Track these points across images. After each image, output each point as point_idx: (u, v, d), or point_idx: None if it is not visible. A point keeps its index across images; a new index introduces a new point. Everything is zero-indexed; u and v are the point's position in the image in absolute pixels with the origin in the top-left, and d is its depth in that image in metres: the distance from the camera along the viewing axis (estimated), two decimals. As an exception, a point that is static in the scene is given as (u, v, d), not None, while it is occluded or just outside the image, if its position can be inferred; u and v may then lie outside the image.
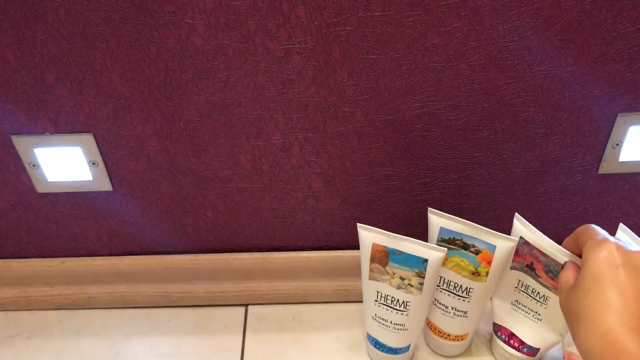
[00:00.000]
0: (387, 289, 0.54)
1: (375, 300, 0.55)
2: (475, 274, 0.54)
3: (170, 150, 0.56)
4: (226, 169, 0.58)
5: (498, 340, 0.59)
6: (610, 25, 0.48)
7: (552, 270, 0.51)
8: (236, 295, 0.66)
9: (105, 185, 0.58)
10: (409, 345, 0.58)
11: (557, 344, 0.56)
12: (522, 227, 0.53)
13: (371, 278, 0.54)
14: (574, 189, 0.60)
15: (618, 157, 0.57)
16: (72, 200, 0.60)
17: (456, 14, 0.47)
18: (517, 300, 0.57)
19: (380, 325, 0.56)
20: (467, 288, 0.55)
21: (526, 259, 0.53)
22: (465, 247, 0.53)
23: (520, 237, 0.53)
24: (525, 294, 0.55)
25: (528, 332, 0.56)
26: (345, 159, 0.57)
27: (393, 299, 0.54)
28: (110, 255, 0.65)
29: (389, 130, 0.55)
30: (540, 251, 0.52)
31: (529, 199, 0.61)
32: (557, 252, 0.51)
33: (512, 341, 0.58)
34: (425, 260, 0.51)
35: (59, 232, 0.63)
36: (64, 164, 0.57)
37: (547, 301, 0.54)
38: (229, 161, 0.57)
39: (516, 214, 0.53)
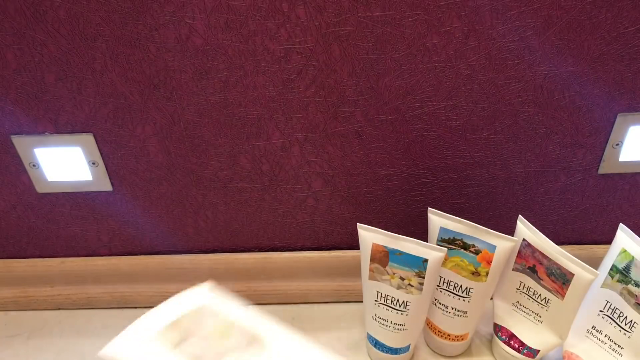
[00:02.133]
0: (387, 289, 0.54)
1: (375, 300, 0.55)
2: (475, 274, 0.54)
3: (170, 150, 0.56)
4: (226, 169, 0.58)
5: (498, 340, 0.59)
6: (610, 25, 0.48)
7: (555, 273, 0.51)
8: (236, 296, 0.66)
9: (105, 185, 0.58)
10: (409, 345, 0.58)
11: (557, 347, 0.56)
12: (525, 229, 0.53)
13: (371, 278, 0.54)
14: (574, 189, 0.60)
15: (618, 157, 0.57)
16: (72, 200, 0.60)
17: (456, 14, 0.47)
18: (518, 302, 0.57)
19: (380, 325, 0.56)
20: (467, 288, 0.55)
21: (528, 261, 0.53)
22: (465, 247, 0.53)
23: (523, 240, 0.53)
24: (527, 296, 0.55)
25: (528, 333, 0.56)
26: (345, 159, 0.57)
27: (393, 299, 0.54)
28: (110, 255, 0.65)
29: (389, 130, 0.55)
30: (542, 254, 0.52)
31: (529, 199, 0.61)
32: (560, 255, 0.51)
33: (512, 342, 0.57)
34: (425, 260, 0.51)
35: (59, 232, 0.63)
36: (64, 164, 0.57)
37: (548, 303, 0.54)
38: (229, 161, 0.57)
39: (520, 216, 0.53)
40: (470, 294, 0.55)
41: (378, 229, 0.51)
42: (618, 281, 0.52)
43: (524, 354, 0.57)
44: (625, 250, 0.51)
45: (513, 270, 0.55)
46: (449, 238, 0.53)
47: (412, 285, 0.52)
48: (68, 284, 0.66)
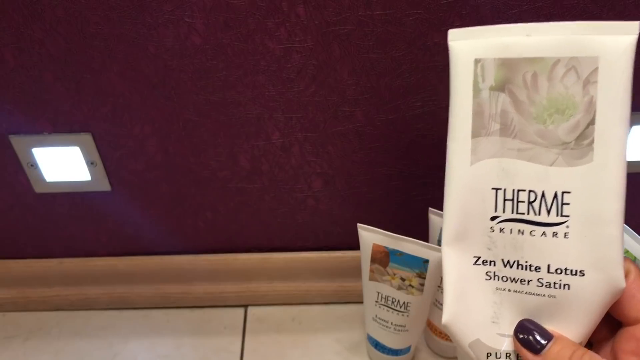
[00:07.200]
0: (387, 289, 0.53)
1: (376, 301, 0.55)
2: (476, 274, 0.53)
3: (169, 150, 0.56)
4: (226, 169, 0.57)
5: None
6: (613, 24, 0.48)
7: None
8: (235, 296, 0.66)
9: (104, 186, 0.58)
10: (410, 346, 0.58)
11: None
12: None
13: (371, 279, 0.54)
14: (575, 189, 0.60)
15: (620, 157, 0.57)
16: (71, 200, 0.60)
17: (457, 13, 0.47)
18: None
19: (381, 326, 0.56)
20: (468, 289, 0.54)
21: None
22: (466, 247, 0.53)
23: None
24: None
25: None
26: (345, 159, 0.57)
27: (393, 300, 0.54)
28: (109, 255, 0.65)
29: (389, 130, 0.54)
30: None
31: (530, 199, 0.60)
32: None
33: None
34: (426, 261, 0.50)
35: (57, 232, 0.63)
36: (62, 164, 0.56)
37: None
38: (229, 161, 0.57)
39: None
40: (471, 294, 0.55)
41: (378, 230, 0.51)
42: (620, 282, 0.52)
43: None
44: (627, 251, 0.51)
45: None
46: (450, 238, 0.53)
47: (412, 286, 0.52)
48: (66, 285, 0.66)
